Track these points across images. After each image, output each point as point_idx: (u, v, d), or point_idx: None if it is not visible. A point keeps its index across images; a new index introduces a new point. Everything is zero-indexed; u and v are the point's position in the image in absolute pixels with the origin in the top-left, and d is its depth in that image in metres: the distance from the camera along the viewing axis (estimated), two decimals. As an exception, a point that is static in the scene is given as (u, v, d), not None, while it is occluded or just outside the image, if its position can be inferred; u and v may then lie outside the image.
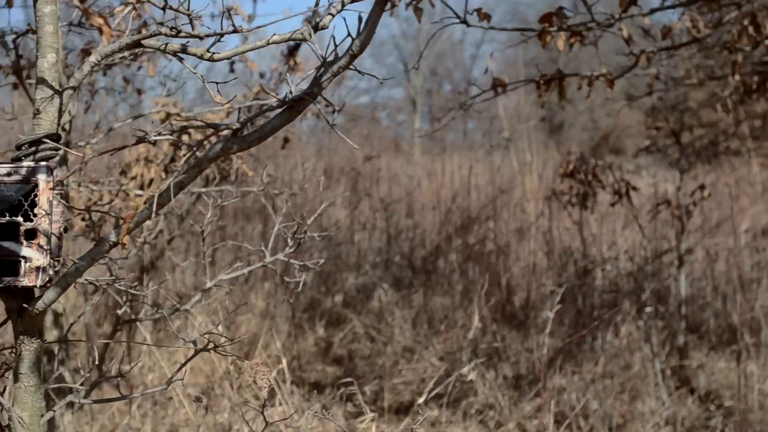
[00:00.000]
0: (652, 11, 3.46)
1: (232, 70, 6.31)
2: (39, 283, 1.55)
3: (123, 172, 4.83)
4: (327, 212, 8.00)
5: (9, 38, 3.36)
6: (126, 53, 3.34)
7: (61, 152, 1.65)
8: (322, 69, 1.57)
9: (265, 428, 1.86)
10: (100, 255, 1.63)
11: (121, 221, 1.57)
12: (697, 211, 6.62)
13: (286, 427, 3.50)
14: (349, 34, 1.55)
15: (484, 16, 3.20)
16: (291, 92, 1.62)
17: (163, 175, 4.78)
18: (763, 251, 6.40)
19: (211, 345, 1.81)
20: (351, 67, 1.61)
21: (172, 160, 4.93)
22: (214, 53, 1.67)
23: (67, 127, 3.33)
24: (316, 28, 1.63)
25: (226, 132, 1.67)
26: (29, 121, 1.72)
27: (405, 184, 8.90)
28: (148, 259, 5.49)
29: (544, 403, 3.66)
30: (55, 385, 1.79)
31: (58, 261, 1.60)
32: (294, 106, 1.60)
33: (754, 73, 4.86)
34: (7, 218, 1.55)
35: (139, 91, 5.41)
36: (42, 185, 1.56)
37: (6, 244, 1.54)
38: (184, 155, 3.93)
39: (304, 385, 4.79)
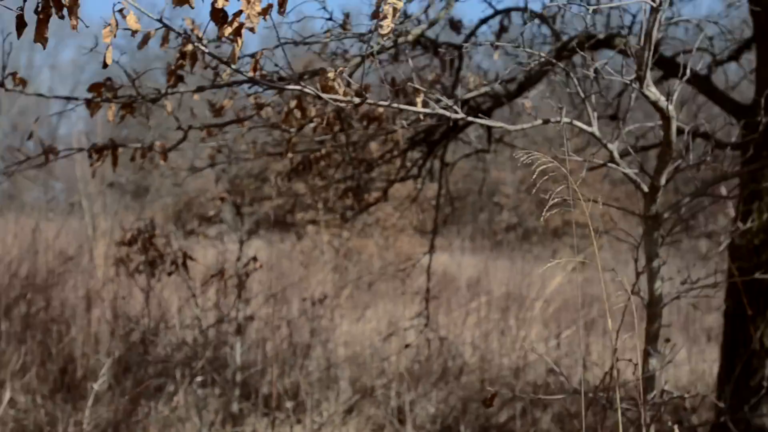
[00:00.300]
0: (199, 89, 3.59)
1: None
2: None
3: None
4: None
5: None
6: None
7: None
8: None
9: None
10: None
11: None
12: (264, 278, 6.92)
13: None
14: None
15: (20, 81, 3.10)
16: None
17: None
18: (318, 318, 6.85)
19: None
20: None
21: None
22: None
23: None
24: None
25: None
26: None
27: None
28: None
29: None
30: None
31: None
32: None
33: (306, 152, 5.22)
34: None
35: None
36: None
37: None
38: None
39: None
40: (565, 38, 4.56)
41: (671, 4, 4.49)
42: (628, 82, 2.72)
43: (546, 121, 2.96)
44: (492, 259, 16.10)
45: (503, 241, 18.96)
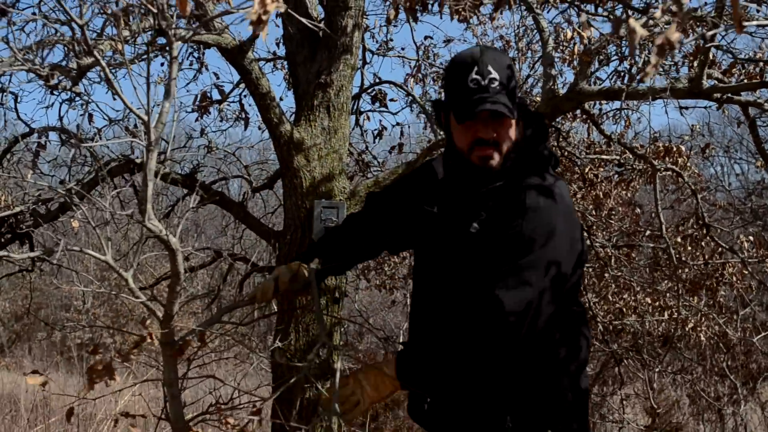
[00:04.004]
0: None
1: None
2: None
3: None
4: None
5: None
6: None
7: None
8: None
9: None
10: None
11: None
12: None
13: None
14: None
15: None
16: None
17: None
18: None
19: None
20: None
21: None
22: None
23: None
24: None
25: None
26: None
27: None
28: None
29: None
30: None
31: None
32: None
33: None
34: None
35: None
36: None
37: None
38: None
39: None
40: (104, 160, 4.57)
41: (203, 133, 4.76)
42: (127, 214, 2.78)
43: (49, 251, 2.91)
44: (65, 377, 15.20)
45: (78, 358, 18.02)
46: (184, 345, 3.05)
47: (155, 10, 2.32)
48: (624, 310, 7.38)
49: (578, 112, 6.21)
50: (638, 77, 4.73)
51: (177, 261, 2.95)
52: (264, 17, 1.25)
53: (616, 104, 6.83)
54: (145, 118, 2.46)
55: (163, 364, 3.42)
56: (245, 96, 5.47)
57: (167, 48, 2.74)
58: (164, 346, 3.30)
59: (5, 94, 4.65)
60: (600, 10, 4.98)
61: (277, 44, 6.09)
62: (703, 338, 7.52)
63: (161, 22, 2.45)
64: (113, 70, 3.99)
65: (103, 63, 2.08)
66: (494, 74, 2.16)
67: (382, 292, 10.66)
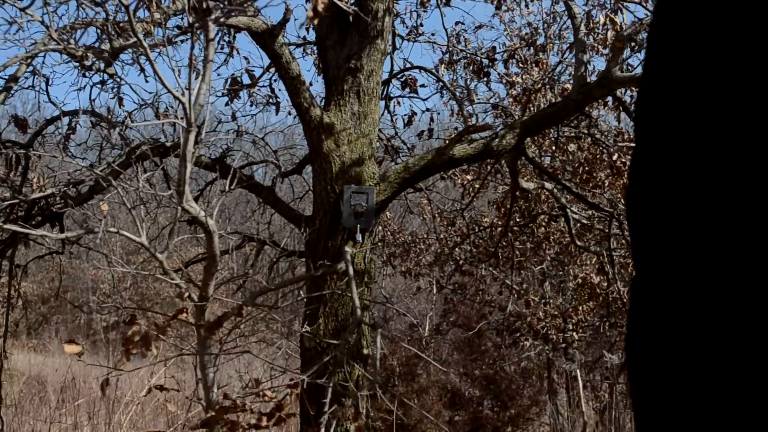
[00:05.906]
0: None
1: None
2: None
3: None
4: None
5: None
6: None
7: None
8: None
9: None
10: None
11: None
12: None
13: None
14: None
15: None
16: None
17: None
18: None
19: None
20: None
21: None
22: None
23: None
24: None
25: None
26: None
27: None
28: None
29: None
30: None
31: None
32: None
33: None
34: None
35: None
36: None
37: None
38: None
39: None
40: (135, 143, 4.57)
41: (234, 118, 4.76)
42: (166, 196, 2.79)
43: (90, 231, 2.91)
44: (91, 359, 15.34)
45: (104, 340, 18.20)
46: (222, 318, 3.06)
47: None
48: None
49: (609, 99, 6.15)
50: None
51: (213, 243, 2.95)
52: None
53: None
54: (184, 99, 2.46)
55: (197, 344, 3.44)
56: (275, 81, 5.47)
57: (200, 30, 2.73)
58: (199, 328, 3.32)
59: (37, 76, 4.66)
60: (634, -5, 4.91)
61: (307, 29, 6.08)
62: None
63: (200, 4, 2.44)
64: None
65: (145, 44, 2.08)
66: None
67: (407, 279, 10.64)
